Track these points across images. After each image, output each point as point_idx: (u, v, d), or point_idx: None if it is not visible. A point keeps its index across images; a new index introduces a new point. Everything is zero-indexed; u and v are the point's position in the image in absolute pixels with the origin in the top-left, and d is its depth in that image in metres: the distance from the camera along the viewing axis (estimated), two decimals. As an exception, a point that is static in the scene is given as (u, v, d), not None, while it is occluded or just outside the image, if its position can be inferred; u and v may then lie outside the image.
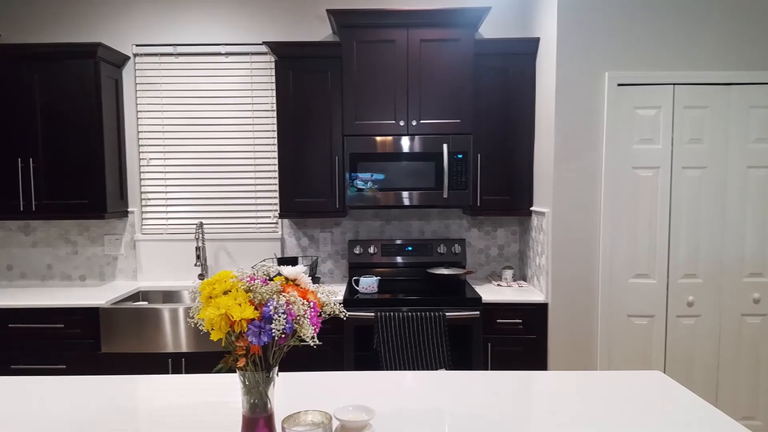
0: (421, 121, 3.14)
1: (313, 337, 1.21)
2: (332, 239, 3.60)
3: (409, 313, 2.87)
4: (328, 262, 3.62)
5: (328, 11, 3.05)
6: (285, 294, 1.21)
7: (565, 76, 2.89)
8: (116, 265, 3.59)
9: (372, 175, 3.14)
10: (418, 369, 2.85)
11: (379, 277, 3.18)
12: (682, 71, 2.87)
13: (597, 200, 2.93)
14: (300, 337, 1.22)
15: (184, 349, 2.97)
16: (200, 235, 3.45)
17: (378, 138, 3.13)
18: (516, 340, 3.00)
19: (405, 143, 3.13)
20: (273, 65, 3.46)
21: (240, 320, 1.16)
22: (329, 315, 1.31)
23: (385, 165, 3.14)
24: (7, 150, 3.17)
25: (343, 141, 3.17)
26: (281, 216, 3.27)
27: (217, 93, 3.53)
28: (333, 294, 1.34)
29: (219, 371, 1.24)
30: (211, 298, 1.21)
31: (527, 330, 2.99)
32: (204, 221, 3.60)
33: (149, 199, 3.59)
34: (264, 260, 3.54)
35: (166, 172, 3.58)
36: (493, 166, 3.23)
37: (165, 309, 2.96)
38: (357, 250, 3.47)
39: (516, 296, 3.04)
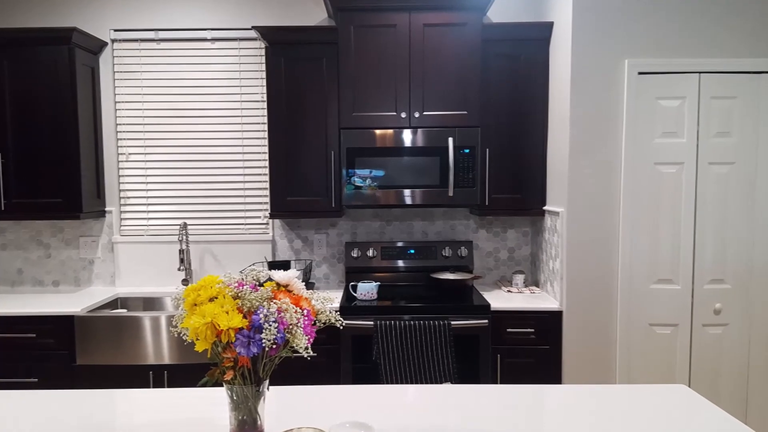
0: (425, 113, 3.14)
1: (306, 348, 1.21)
2: (327, 241, 3.61)
3: (412, 322, 2.87)
4: (323, 266, 3.62)
5: (323, -7, 3.05)
6: (276, 301, 1.21)
7: (582, 64, 2.89)
8: (92, 269, 3.59)
9: (371, 172, 3.14)
10: (421, 382, 2.85)
11: (378, 283, 3.18)
12: (709, 58, 2.87)
13: (615, 199, 2.93)
14: (293, 347, 1.22)
15: (166, 360, 2.97)
16: (184, 237, 3.45)
17: (377, 131, 3.13)
18: (528, 351, 3.00)
19: (407, 137, 3.13)
20: (263, 52, 3.46)
21: (227, 329, 1.16)
22: (324, 324, 1.31)
23: (385, 160, 3.14)
24: (-26, 144, 3.17)
25: (339, 135, 3.17)
26: (272, 216, 3.27)
27: (202, 82, 3.53)
28: (328, 301, 1.34)
29: (204, 385, 1.24)
30: (195, 305, 1.21)
31: (540, 340, 3.00)
32: (188, 222, 3.60)
33: (128, 197, 3.59)
34: (253, 264, 3.54)
35: (147, 168, 3.58)
36: (502, 161, 3.23)
37: (146, 317, 2.96)
38: (354, 253, 3.47)
39: (528, 303, 3.04)
